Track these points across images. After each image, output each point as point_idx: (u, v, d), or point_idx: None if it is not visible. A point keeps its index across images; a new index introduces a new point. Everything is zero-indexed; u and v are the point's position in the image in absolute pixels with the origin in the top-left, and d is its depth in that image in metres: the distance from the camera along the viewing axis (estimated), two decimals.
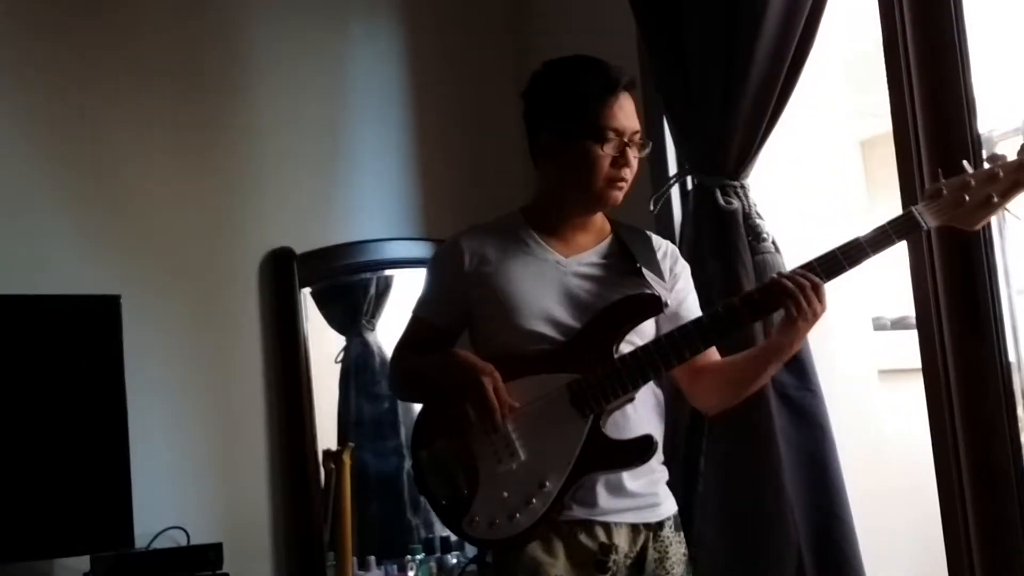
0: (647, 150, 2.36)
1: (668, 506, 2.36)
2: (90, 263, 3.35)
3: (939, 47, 2.58)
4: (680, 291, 2.42)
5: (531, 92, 2.40)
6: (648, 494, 2.32)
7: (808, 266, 2.24)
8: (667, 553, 2.31)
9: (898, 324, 3.99)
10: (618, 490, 2.27)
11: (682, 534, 2.38)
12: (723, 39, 2.91)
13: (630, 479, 2.28)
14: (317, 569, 3.45)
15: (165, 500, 3.29)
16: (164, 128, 3.53)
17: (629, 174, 2.34)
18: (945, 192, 2.19)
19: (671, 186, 3.21)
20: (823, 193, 3.37)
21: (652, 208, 3.14)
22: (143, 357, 3.29)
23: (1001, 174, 2.17)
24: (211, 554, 3.10)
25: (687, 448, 2.91)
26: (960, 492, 2.52)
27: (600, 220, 2.43)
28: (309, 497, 3.48)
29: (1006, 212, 2.24)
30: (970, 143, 2.53)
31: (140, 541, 3.16)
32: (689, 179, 3.12)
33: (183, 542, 3.25)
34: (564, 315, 2.30)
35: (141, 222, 3.46)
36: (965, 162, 2.23)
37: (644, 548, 2.30)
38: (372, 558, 3.50)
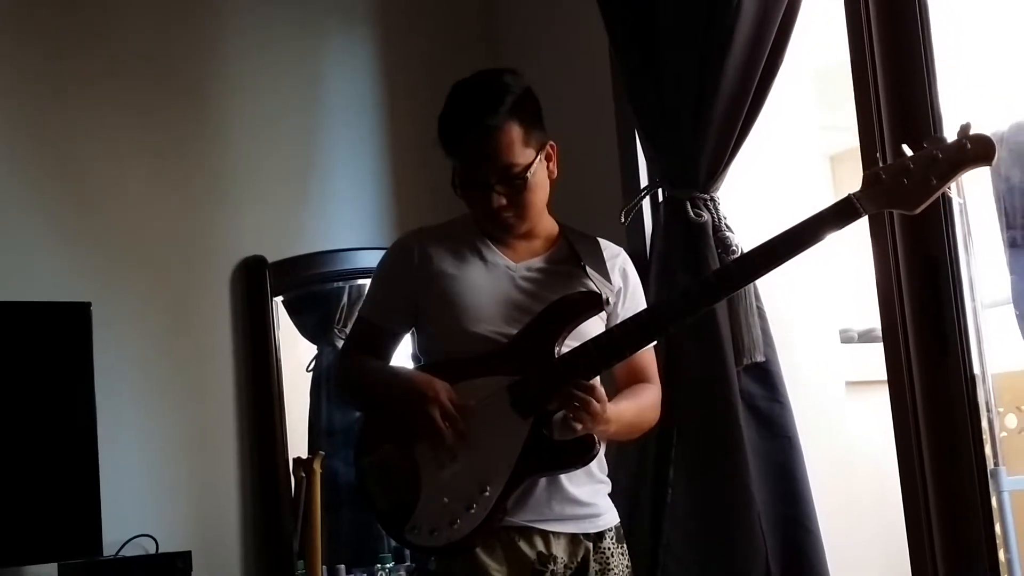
0: (521, 182, 2.26)
1: (609, 517, 2.35)
2: (60, 270, 3.32)
3: (906, 62, 2.60)
4: (630, 295, 2.42)
5: None
6: (590, 503, 2.31)
7: (740, 259, 2.23)
8: (608, 565, 2.31)
9: (865, 337, 4.03)
10: (559, 495, 2.26)
11: (624, 546, 2.37)
12: (695, 54, 2.93)
13: (573, 485, 2.27)
14: None
15: (134, 507, 3.27)
16: (137, 134, 3.51)
17: (505, 211, 2.29)
18: (884, 176, 2.17)
19: (642, 198, 3.23)
20: (792, 207, 3.40)
21: (623, 220, 3.17)
22: (113, 364, 3.27)
23: (940, 156, 2.14)
24: (180, 562, 3.08)
25: (656, 458, 2.92)
26: (925, 503, 2.54)
27: (547, 227, 2.41)
28: (279, 505, 3.47)
29: (946, 194, 2.21)
30: None
31: (108, 549, 3.14)
32: (660, 192, 3.14)
33: (152, 550, 3.22)
34: (510, 319, 2.29)
35: (112, 229, 3.44)
36: (904, 146, 2.19)
37: (585, 560, 2.29)
38: (342, 566, 3.48)
